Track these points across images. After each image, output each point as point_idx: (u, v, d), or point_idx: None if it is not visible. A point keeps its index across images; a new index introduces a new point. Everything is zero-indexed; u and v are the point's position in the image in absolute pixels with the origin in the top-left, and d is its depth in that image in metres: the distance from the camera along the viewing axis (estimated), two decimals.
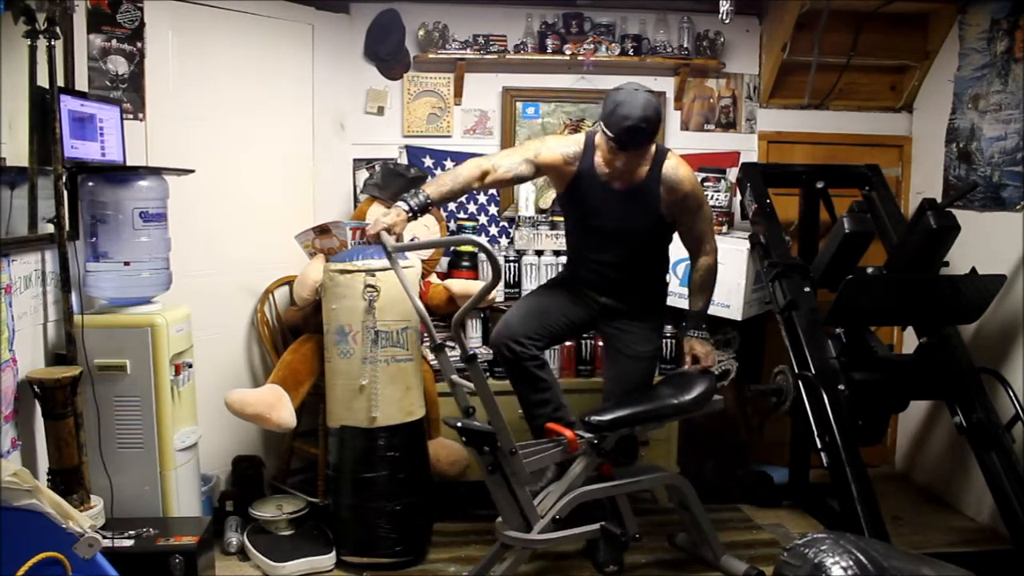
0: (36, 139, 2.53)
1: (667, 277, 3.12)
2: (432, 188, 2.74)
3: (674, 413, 2.86)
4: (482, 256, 3.72)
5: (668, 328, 3.72)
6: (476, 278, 3.70)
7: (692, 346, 2.99)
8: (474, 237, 2.39)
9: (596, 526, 2.69)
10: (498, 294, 3.68)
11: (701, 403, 2.84)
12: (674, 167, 2.81)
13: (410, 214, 2.66)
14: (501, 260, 3.74)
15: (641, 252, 2.95)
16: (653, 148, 2.79)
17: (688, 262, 3.62)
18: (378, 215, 2.72)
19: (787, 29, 3.83)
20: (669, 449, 3.66)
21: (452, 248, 3.79)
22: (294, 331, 3.51)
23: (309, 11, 3.64)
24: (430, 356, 3.53)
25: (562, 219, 3.23)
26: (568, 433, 2.66)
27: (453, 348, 3.71)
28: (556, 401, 2.89)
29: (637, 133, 2.61)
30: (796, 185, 3.74)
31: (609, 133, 2.63)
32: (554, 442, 2.67)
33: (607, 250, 2.90)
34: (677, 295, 3.59)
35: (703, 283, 2.99)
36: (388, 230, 2.61)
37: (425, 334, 3.36)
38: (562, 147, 2.85)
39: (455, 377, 2.67)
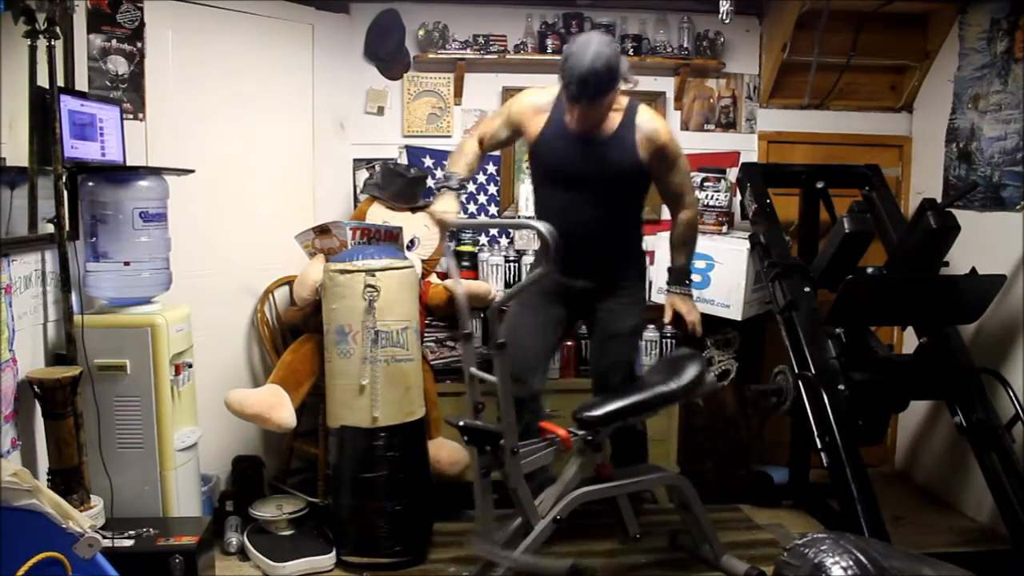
0: (36, 139, 2.53)
1: (643, 249, 3.09)
2: (458, 168, 2.90)
3: (667, 400, 2.80)
4: (492, 256, 3.73)
5: (669, 328, 3.72)
6: (476, 278, 3.70)
7: (673, 302, 2.96)
8: (535, 222, 2.36)
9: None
10: (498, 294, 3.68)
11: (694, 387, 2.79)
12: (650, 118, 2.81)
13: (456, 192, 2.84)
14: (500, 260, 3.75)
15: (616, 209, 2.88)
16: (624, 100, 2.78)
17: None
18: (436, 207, 2.83)
19: (787, 29, 3.83)
20: (669, 449, 3.66)
21: (452, 248, 3.80)
22: (294, 331, 3.51)
23: (309, 11, 3.64)
24: (430, 355, 3.54)
25: None
26: (561, 432, 2.65)
27: (451, 347, 3.73)
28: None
29: (584, 86, 2.59)
30: (796, 185, 3.74)
31: (562, 83, 2.66)
32: (547, 441, 2.66)
33: (581, 209, 2.82)
34: None
35: (684, 238, 2.98)
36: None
37: (425, 333, 3.37)
38: (532, 97, 2.92)
39: (473, 370, 2.65)
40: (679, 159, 2.87)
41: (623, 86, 2.72)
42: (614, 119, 2.78)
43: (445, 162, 3.89)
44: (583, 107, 2.66)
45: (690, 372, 2.80)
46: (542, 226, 2.34)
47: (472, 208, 3.99)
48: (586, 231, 2.84)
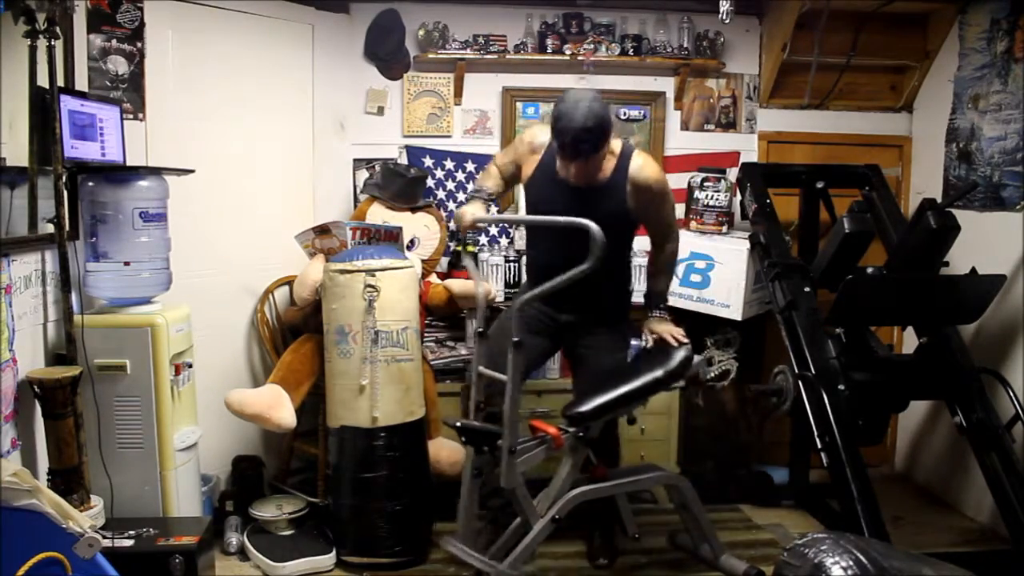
0: (36, 139, 2.53)
1: (631, 284, 3.09)
2: (487, 183, 2.96)
3: (655, 386, 2.76)
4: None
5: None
6: None
7: (650, 326, 2.97)
8: (584, 220, 2.38)
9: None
10: (498, 294, 3.68)
11: (681, 372, 2.77)
12: (640, 168, 2.79)
13: (486, 203, 2.89)
14: (500, 260, 3.74)
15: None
16: (618, 146, 2.79)
17: (687, 262, 3.63)
18: (464, 210, 2.84)
19: (787, 29, 3.83)
20: (669, 449, 3.66)
21: (452, 248, 3.80)
22: (294, 331, 3.51)
23: (309, 11, 3.64)
24: (430, 355, 3.53)
25: None
26: (552, 430, 2.65)
27: (452, 348, 3.72)
28: None
29: (578, 145, 2.60)
30: (796, 185, 3.74)
31: (556, 142, 2.66)
32: (538, 439, 2.66)
33: (569, 252, 2.68)
34: (677, 295, 3.59)
35: (664, 266, 2.99)
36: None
37: (425, 333, 3.37)
38: (532, 135, 2.92)
39: (482, 368, 2.64)
40: (667, 200, 2.89)
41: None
42: (607, 166, 2.78)
43: (445, 162, 3.90)
44: (578, 164, 2.68)
45: (676, 356, 2.77)
46: (589, 223, 2.35)
47: None
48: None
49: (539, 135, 2.88)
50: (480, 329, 2.68)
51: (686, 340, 2.90)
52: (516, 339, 2.47)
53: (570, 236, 2.70)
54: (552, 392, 3.53)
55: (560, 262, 2.64)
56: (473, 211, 2.85)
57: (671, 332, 2.91)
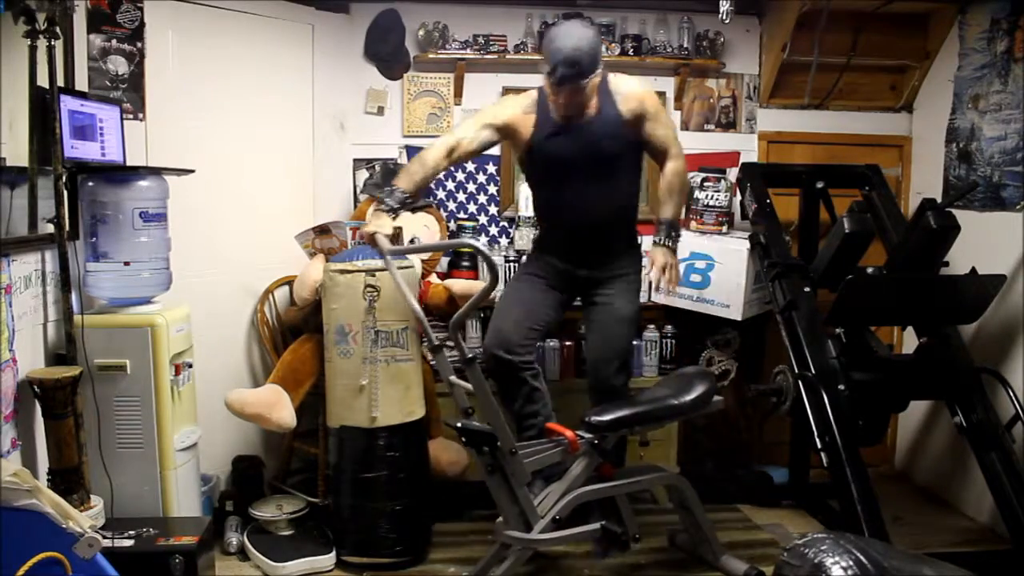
0: (36, 139, 2.53)
1: (638, 237, 3.13)
2: (403, 181, 2.77)
3: (674, 414, 2.86)
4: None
5: (669, 328, 3.73)
6: (476, 278, 3.69)
7: (655, 256, 2.96)
8: (470, 240, 2.46)
9: (597, 525, 2.69)
10: (499, 294, 3.67)
11: (701, 404, 2.83)
12: (623, 82, 2.86)
13: (391, 213, 2.67)
14: (500, 260, 3.74)
15: (617, 189, 2.93)
16: (598, 79, 2.79)
17: (687, 262, 3.62)
18: (369, 228, 2.69)
19: (787, 29, 3.83)
20: (669, 449, 3.65)
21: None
22: (294, 331, 3.51)
23: (309, 11, 3.64)
24: (430, 356, 3.53)
25: None
26: (568, 433, 2.67)
27: (452, 348, 3.70)
28: (547, 413, 2.91)
29: (569, 67, 2.62)
30: (796, 185, 3.74)
31: (546, 68, 2.66)
32: (554, 442, 2.68)
33: (580, 195, 2.86)
34: (676, 295, 3.59)
35: (672, 187, 2.98)
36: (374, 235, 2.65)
37: (423, 336, 3.36)
38: (517, 101, 2.93)
39: (453, 378, 2.67)
40: (660, 113, 2.94)
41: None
42: (593, 99, 2.81)
43: None
44: (569, 91, 2.68)
45: (698, 388, 2.84)
46: (479, 244, 2.41)
47: (472, 208, 3.99)
48: (591, 218, 2.89)
49: (523, 100, 2.91)
50: (436, 344, 2.70)
51: (673, 287, 2.93)
52: (469, 356, 2.55)
53: (582, 192, 2.83)
54: (551, 393, 3.51)
55: (580, 216, 2.82)
56: (381, 230, 2.66)
57: (668, 274, 2.91)
